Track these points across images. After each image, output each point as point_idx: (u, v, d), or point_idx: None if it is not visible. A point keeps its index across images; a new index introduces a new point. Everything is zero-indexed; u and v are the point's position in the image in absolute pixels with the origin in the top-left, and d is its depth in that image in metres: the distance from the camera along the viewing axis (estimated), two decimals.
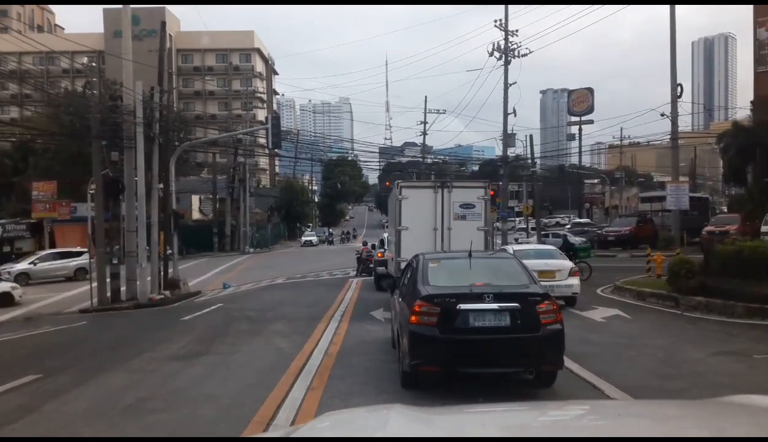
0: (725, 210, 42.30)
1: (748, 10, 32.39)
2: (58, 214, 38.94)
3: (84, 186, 30.04)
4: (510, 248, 15.81)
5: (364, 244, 28.26)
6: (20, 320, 18.00)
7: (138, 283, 20.25)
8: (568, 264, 14.66)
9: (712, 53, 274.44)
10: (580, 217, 53.03)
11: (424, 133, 57.32)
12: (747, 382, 7.60)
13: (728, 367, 8.43)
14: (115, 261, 20.30)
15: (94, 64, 22.70)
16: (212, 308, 18.20)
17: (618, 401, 5.07)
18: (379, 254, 21.89)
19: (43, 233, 40.64)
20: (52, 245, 40.03)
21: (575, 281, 14.25)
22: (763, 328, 11.13)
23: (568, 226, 42.48)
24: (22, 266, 29.41)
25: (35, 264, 29.48)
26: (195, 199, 52.56)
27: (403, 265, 11.72)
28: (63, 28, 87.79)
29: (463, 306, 6.81)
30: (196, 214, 52.74)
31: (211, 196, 52.55)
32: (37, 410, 7.32)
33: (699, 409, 2.20)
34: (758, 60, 31.92)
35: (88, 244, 24.53)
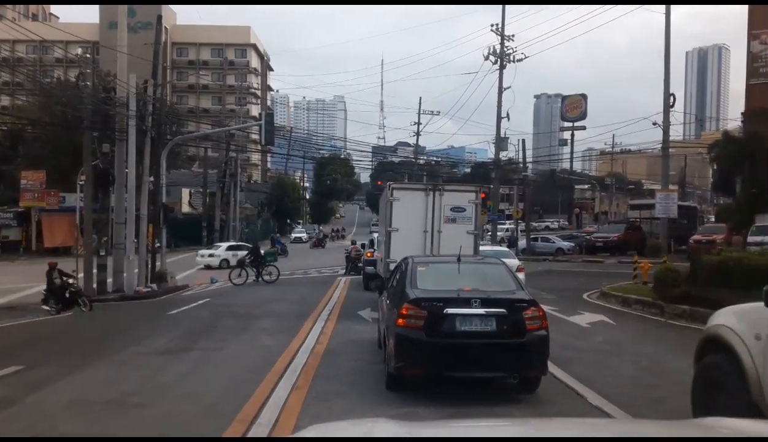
0: (713, 219, 42.55)
1: (743, 21, 32.59)
2: (46, 204, 38.72)
3: (73, 177, 29.94)
4: None
5: (353, 243, 28.29)
6: (2, 309, 17.85)
7: (125, 275, 20.17)
8: (516, 262, 17.38)
9: (705, 63, 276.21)
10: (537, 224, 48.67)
11: (418, 134, 57.36)
12: None
13: None
14: (102, 253, 20.20)
15: (88, 55, 22.62)
16: (199, 302, 18.16)
17: (600, 420, 5.12)
18: (369, 254, 21.93)
19: (31, 222, 40.43)
20: (39, 235, 39.75)
21: (521, 275, 16.58)
22: None
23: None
24: None
25: None
26: (185, 193, 52.39)
27: (392, 266, 11.71)
28: (58, 18, 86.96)
29: (450, 310, 6.84)
30: (186, 208, 52.56)
31: (201, 190, 52.32)
32: (18, 401, 7.25)
33: (679, 430, 2.20)
34: (751, 72, 32.13)
35: (76, 235, 24.39)
